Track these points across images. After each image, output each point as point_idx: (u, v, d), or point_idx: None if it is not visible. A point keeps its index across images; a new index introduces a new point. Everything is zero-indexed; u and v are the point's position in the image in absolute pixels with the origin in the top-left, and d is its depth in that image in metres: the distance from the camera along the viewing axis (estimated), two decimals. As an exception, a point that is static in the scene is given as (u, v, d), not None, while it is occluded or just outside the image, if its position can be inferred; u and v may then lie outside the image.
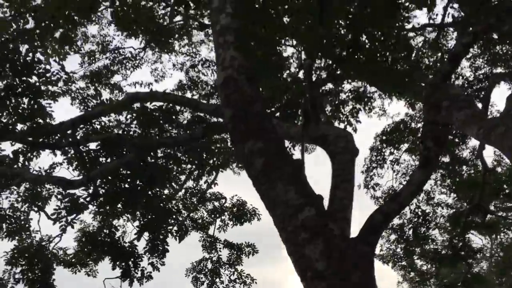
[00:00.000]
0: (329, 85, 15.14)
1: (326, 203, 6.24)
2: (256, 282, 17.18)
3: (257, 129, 5.76)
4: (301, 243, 5.02)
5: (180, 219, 11.01)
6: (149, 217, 10.52)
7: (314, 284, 4.89)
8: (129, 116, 9.13)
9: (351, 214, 5.92)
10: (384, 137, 17.96)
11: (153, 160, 9.57)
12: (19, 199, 11.65)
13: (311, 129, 6.84)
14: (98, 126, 9.65)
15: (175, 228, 11.10)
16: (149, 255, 11.51)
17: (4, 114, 7.06)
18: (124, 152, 8.94)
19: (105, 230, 11.14)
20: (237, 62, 6.02)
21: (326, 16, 5.52)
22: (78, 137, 8.86)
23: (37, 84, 6.97)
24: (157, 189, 10.24)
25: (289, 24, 5.97)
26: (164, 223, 10.76)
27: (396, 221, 19.31)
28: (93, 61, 14.91)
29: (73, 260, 13.87)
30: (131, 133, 9.15)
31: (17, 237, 11.81)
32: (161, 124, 9.01)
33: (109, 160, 9.23)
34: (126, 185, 10.18)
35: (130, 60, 15.69)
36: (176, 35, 18.66)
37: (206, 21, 16.83)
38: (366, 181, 18.27)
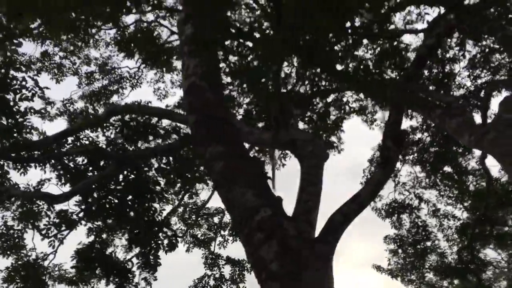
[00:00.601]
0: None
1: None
2: (253, 296, 17.04)
3: (219, 133, 5.85)
4: (256, 244, 5.04)
5: (169, 233, 11.01)
6: (138, 231, 10.59)
7: (268, 285, 4.89)
8: (107, 129, 9.27)
9: (316, 215, 5.90)
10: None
11: (134, 173, 9.68)
12: (15, 217, 11.83)
13: (281, 134, 6.88)
14: (87, 142, 9.84)
15: (166, 241, 11.11)
16: (141, 270, 11.56)
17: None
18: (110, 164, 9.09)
19: (97, 246, 11.23)
20: (199, 70, 6.14)
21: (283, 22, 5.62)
22: (60, 151, 9.03)
23: (15, 101, 7.14)
24: (147, 202, 10.33)
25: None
26: (153, 236, 10.81)
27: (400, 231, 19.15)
28: (91, 82, 15.21)
29: (74, 278, 13.97)
30: (111, 146, 9.27)
31: (13, 255, 11.96)
32: (139, 136, 9.14)
33: (95, 173, 9.37)
34: (116, 200, 10.30)
35: (128, 80, 15.96)
36: (176, 55, 18.95)
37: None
38: (366, 193, 18.09)
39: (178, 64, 19.57)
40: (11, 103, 7.12)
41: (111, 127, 9.19)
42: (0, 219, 11.50)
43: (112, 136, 9.28)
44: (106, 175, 9.16)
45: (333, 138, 22.28)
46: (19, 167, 9.30)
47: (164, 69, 18.89)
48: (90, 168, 9.49)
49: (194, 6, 5.94)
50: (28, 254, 12.34)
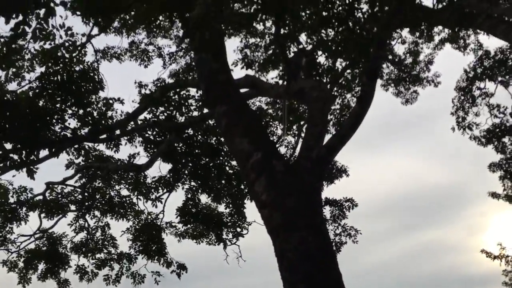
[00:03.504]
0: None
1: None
2: (361, 233, 17.91)
3: (223, 95, 6.98)
4: (251, 181, 6.18)
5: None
6: (221, 185, 12.22)
7: (261, 212, 6.05)
8: (162, 105, 10.78)
9: (317, 152, 6.74)
10: (471, 73, 17.23)
11: (199, 138, 11.21)
12: (130, 187, 14.22)
13: (292, 85, 7.76)
14: (162, 117, 11.56)
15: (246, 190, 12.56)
16: (232, 220, 13.32)
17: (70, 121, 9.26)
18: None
19: (190, 202, 13.15)
20: (205, 43, 7.25)
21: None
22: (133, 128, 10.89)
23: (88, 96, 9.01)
24: (223, 160, 11.87)
25: None
26: (235, 188, 12.35)
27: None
28: (175, 61, 16.94)
29: (195, 233, 16.29)
30: (170, 118, 10.83)
31: (132, 219, 14.47)
32: (181, 107, 10.56)
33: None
34: (197, 162, 12.00)
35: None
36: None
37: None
38: (458, 122, 17.68)
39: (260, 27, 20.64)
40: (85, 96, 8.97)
41: (168, 102, 10.71)
42: (113, 192, 13.88)
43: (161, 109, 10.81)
44: (170, 143, 10.81)
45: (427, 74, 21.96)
46: (111, 146, 11.39)
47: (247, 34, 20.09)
48: (163, 138, 11.22)
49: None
50: (144, 218, 14.80)
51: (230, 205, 12.91)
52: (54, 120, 8.94)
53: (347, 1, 11.04)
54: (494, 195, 22.20)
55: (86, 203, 13.45)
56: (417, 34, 20.66)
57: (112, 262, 15.03)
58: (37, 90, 8.40)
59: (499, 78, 17.85)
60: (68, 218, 14.33)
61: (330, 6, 10.86)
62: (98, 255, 15.01)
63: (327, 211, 18.06)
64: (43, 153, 9.66)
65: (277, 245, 5.67)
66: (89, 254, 14.85)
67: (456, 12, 13.47)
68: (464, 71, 17.40)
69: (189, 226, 14.85)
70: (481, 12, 12.97)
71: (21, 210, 13.60)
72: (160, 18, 15.67)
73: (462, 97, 17.50)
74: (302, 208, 5.77)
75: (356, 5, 10.55)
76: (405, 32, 20.48)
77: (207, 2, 7.62)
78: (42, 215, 13.81)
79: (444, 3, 14.38)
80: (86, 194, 13.11)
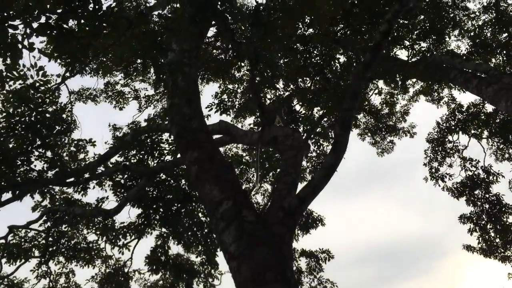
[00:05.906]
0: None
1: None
2: (337, 287, 17.57)
3: (194, 141, 6.82)
4: (220, 231, 5.93)
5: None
6: (193, 232, 11.85)
7: (230, 264, 5.77)
8: (133, 149, 10.58)
9: (289, 202, 6.57)
10: (443, 126, 17.53)
11: (172, 183, 10.95)
12: (97, 232, 13.71)
13: (265, 133, 7.66)
14: (134, 160, 11.31)
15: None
16: (204, 269, 12.87)
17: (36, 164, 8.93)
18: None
19: (159, 250, 12.70)
20: (177, 90, 7.15)
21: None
22: (101, 172, 10.59)
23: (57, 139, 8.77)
24: (195, 206, 11.56)
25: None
26: (207, 235, 11.98)
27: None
28: (150, 104, 16.85)
29: (165, 284, 15.69)
30: (141, 162, 10.62)
31: (97, 265, 13.90)
32: (153, 151, 10.40)
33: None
34: (167, 207, 11.66)
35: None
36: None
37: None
38: (431, 173, 17.80)
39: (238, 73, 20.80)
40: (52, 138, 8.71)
41: (140, 146, 10.52)
42: (80, 237, 13.35)
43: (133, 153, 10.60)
44: (141, 188, 10.52)
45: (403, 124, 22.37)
46: (79, 190, 11.02)
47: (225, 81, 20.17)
48: (134, 183, 10.93)
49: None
50: (111, 264, 14.24)
51: (202, 253, 12.51)
52: (19, 162, 8.63)
53: (323, 51, 11.23)
54: (469, 248, 22.07)
55: (50, 248, 12.87)
56: (392, 85, 21.11)
57: (75, 312, 14.32)
58: (2, 131, 8.15)
59: (472, 131, 18.21)
60: (31, 263, 13.68)
61: (307, 55, 11.03)
62: (61, 304, 14.29)
63: (302, 263, 17.82)
64: (6, 195, 9.26)
65: (245, 301, 5.38)
66: (52, 303, 14.12)
67: (429, 65, 13.83)
68: (437, 123, 17.69)
69: (158, 276, 14.35)
70: (453, 67, 13.32)
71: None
72: (138, 61, 15.72)
73: (435, 149, 17.70)
74: (272, 261, 5.52)
75: (332, 55, 10.71)
76: (381, 83, 20.93)
77: (181, 48, 7.60)
78: (3, 260, 13.14)
79: (418, 57, 14.81)
80: (50, 238, 12.56)
